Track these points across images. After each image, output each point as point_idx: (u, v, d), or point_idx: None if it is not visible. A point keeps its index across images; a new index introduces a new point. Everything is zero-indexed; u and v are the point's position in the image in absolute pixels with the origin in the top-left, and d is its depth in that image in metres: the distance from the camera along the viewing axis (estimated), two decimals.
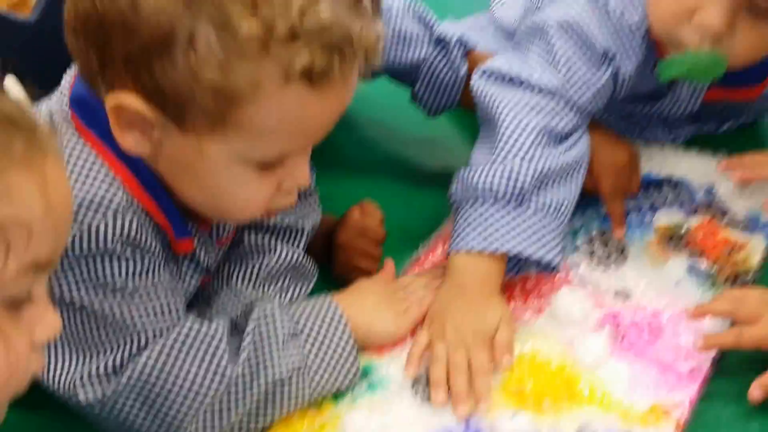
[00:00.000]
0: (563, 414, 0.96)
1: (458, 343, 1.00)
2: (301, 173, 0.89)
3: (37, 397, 0.91)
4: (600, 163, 1.14)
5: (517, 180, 1.03)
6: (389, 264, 1.10)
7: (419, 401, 0.98)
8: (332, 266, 1.14)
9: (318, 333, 0.97)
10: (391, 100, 1.32)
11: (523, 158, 1.04)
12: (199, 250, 0.96)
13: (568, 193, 1.06)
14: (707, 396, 1.00)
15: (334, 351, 0.97)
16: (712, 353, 1.02)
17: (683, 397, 0.98)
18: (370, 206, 1.15)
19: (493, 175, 1.04)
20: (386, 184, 1.27)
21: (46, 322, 0.65)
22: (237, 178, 0.86)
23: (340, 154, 1.31)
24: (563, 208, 1.06)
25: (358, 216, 1.14)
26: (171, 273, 0.93)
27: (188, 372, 0.90)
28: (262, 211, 0.92)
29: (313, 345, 0.96)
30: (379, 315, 1.03)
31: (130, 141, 0.85)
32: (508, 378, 1.00)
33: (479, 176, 1.05)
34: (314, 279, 1.10)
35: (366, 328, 1.01)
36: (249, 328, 0.94)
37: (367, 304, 1.03)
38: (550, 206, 1.04)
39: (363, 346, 1.01)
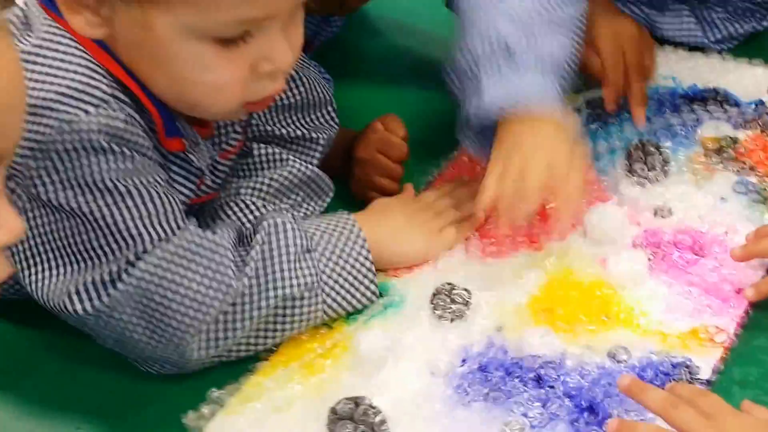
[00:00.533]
0: (596, 335, 0.86)
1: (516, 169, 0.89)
2: (277, 52, 0.79)
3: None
4: (599, 31, 1.02)
5: (498, 37, 0.91)
6: (408, 188, 1.01)
7: (438, 319, 0.88)
8: (349, 183, 1.04)
9: (334, 249, 0.89)
10: (422, 3, 1.20)
11: (495, 15, 0.91)
12: (192, 151, 0.87)
13: (561, 47, 0.93)
14: (753, 324, 0.88)
15: (351, 268, 0.89)
16: (760, 273, 0.91)
17: (728, 321, 0.87)
18: (394, 121, 1.05)
19: (472, 42, 0.92)
20: (412, 97, 1.16)
21: (3, 224, 0.56)
22: (197, 59, 0.77)
23: (363, 62, 1.21)
24: (559, 60, 0.92)
25: (381, 130, 1.04)
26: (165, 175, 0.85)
27: (190, 282, 0.82)
28: (238, 100, 0.81)
29: (328, 261, 0.88)
30: (408, 235, 0.94)
31: (81, 22, 0.78)
32: (537, 296, 0.90)
33: (461, 53, 0.93)
34: (330, 195, 1.02)
35: (392, 249, 0.93)
36: (258, 239, 0.86)
37: (393, 223, 0.94)
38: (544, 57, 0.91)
39: (388, 268, 0.93)
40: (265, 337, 0.86)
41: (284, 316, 0.85)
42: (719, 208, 0.98)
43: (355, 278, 0.89)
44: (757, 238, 0.91)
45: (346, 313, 0.89)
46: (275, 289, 0.84)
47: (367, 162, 1.03)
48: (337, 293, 0.88)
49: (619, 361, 0.84)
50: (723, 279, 0.91)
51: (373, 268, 0.90)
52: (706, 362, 0.83)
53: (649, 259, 0.92)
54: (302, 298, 0.86)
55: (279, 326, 0.86)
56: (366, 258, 0.89)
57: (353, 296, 0.89)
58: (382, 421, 0.79)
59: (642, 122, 1.04)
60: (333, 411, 0.80)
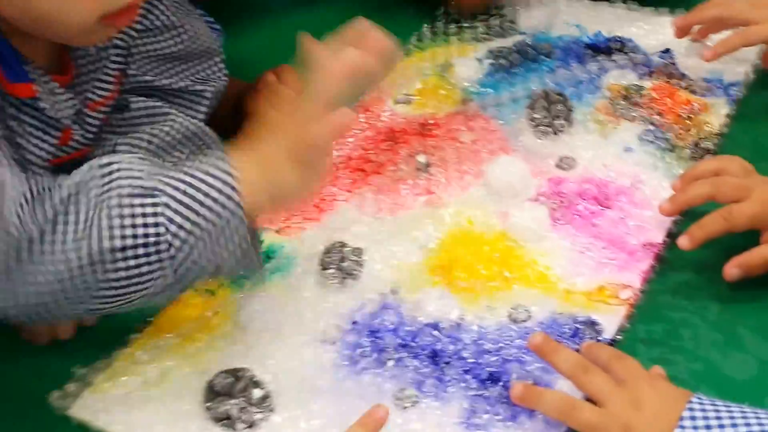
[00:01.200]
0: (496, 294, 0.77)
1: None
2: None
3: None
4: None
5: None
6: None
7: (327, 281, 0.78)
8: (239, 140, 0.92)
9: (195, 196, 0.68)
10: None
11: None
12: (45, 99, 0.74)
13: None
14: (661, 273, 0.79)
15: (220, 223, 0.68)
16: (666, 225, 0.82)
17: (633, 275, 0.79)
18: (289, 72, 0.93)
19: None
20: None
21: None
22: None
23: (256, 10, 1.08)
24: None
25: (274, 83, 0.92)
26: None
27: None
28: (93, 10, 0.68)
29: (189, 213, 0.67)
30: (283, 167, 0.72)
31: None
32: (435, 253, 0.80)
33: None
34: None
35: (270, 186, 0.71)
36: (69, 180, 0.67)
37: (270, 153, 0.72)
38: None
39: (274, 209, 0.75)
40: (104, 299, 0.67)
41: (114, 276, 0.66)
42: (625, 157, 0.89)
43: (226, 239, 0.68)
44: (684, 185, 0.81)
45: (226, 279, 0.75)
46: (88, 239, 0.65)
47: (257, 117, 0.91)
48: (199, 256, 0.67)
49: (520, 322, 0.75)
50: (628, 231, 0.82)
51: (244, 225, 0.68)
52: (611, 320, 0.75)
53: (553, 211, 0.84)
54: (137, 256, 0.66)
55: (113, 289, 0.67)
56: (226, 170, 0.68)
57: (224, 261, 0.68)
58: (265, 397, 0.68)
59: None
60: (210, 385, 0.69)
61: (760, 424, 0.61)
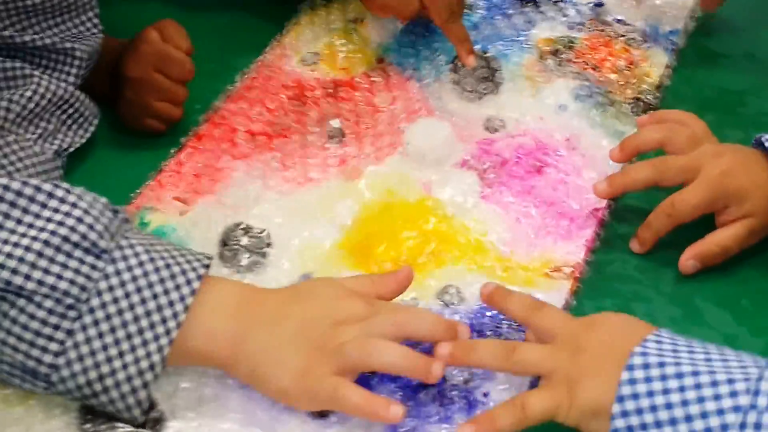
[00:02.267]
0: (424, 275, 0.67)
1: None
2: None
3: None
4: None
5: None
6: (405, 271, 0.63)
7: (229, 271, 0.66)
8: (118, 107, 0.80)
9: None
10: None
11: None
12: None
13: None
14: (606, 241, 0.72)
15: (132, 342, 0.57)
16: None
17: (576, 246, 0.71)
18: (174, 29, 0.80)
19: None
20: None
21: None
22: None
23: None
24: None
25: (156, 41, 0.80)
26: None
27: None
28: None
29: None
30: (282, 353, 0.58)
31: None
32: (353, 231, 0.70)
33: None
34: (94, 123, 0.79)
35: (255, 362, 0.58)
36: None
37: (271, 321, 0.59)
38: None
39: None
40: None
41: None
42: (559, 116, 0.80)
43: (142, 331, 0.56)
44: (624, 155, 0.73)
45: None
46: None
47: (141, 82, 0.79)
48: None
49: (452, 305, 0.65)
50: (568, 194, 0.74)
51: (157, 372, 0.56)
52: (555, 298, 0.66)
53: (483, 176, 0.75)
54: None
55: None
56: (158, 351, 0.56)
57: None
58: (158, 420, 0.57)
59: (473, 62, 0.83)
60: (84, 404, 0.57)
61: (743, 368, 0.53)
